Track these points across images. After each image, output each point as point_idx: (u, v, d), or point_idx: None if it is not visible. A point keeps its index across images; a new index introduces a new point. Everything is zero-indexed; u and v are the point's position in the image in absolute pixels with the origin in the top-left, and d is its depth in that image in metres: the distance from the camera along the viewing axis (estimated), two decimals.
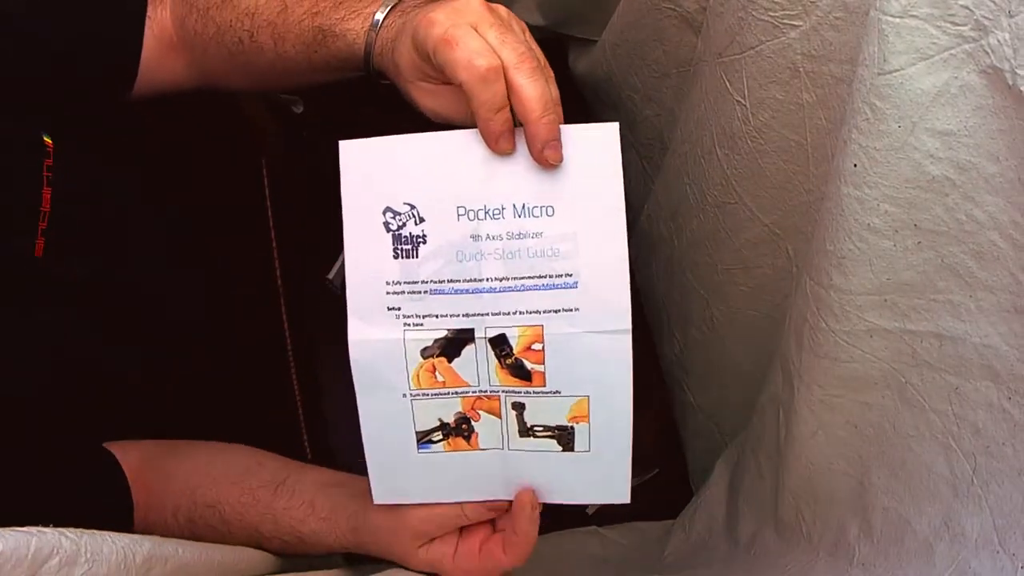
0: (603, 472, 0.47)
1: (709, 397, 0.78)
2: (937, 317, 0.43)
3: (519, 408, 0.46)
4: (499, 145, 0.40)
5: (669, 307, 0.80)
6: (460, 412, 0.46)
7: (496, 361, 0.44)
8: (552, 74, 0.41)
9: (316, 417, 0.82)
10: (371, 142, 0.43)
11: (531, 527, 0.47)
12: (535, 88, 0.38)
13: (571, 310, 0.43)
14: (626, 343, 0.43)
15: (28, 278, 0.47)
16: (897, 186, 0.41)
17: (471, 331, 0.44)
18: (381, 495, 0.47)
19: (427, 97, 0.43)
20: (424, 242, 0.43)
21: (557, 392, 0.45)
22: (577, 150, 0.41)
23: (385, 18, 0.45)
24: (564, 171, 0.41)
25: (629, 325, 0.43)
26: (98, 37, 0.51)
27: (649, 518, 0.82)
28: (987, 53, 0.36)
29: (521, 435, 0.46)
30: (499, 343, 0.44)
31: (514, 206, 0.42)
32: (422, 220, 0.42)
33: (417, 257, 0.43)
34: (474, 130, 0.41)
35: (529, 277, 0.42)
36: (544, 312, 0.43)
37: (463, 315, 0.43)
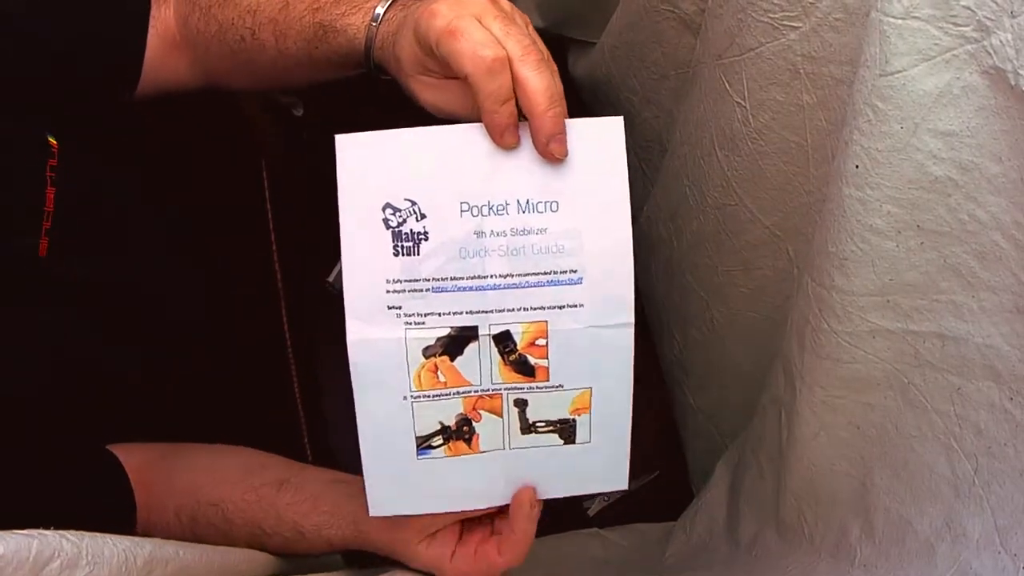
0: (603, 461, 0.47)
1: (709, 398, 0.78)
2: (939, 318, 0.43)
3: (522, 405, 0.45)
4: (504, 139, 0.40)
5: (669, 308, 0.80)
6: (461, 413, 0.45)
7: (500, 358, 0.44)
8: (556, 68, 0.40)
9: (316, 417, 0.82)
10: (369, 136, 0.41)
11: (529, 525, 0.47)
12: (541, 80, 0.38)
13: (576, 306, 0.43)
14: (629, 335, 0.43)
15: (31, 278, 0.47)
16: (899, 187, 0.41)
17: (475, 328, 0.43)
18: (378, 506, 0.46)
19: (428, 91, 0.42)
20: (426, 239, 0.42)
21: (560, 386, 0.45)
22: (582, 144, 0.41)
23: (386, 12, 0.45)
24: (568, 165, 0.41)
25: (632, 318, 0.43)
26: (102, 36, 0.51)
27: (650, 520, 0.82)
28: (989, 54, 0.36)
29: (523, 432, 0.46)
30: (503, 340, 0.43)
31: (518, 202, 0.41)
32: (423, 216, 0.42)
33: (419, 255, 0.42)
34: (477, 124, 0.40)
35: (534, 274, 0.42)
36: (548, 308, 0.43)
37: (466, 312, 0.43)
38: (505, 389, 0.45)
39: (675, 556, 0.74)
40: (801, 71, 0.49)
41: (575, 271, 0.42)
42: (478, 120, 0.40)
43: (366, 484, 0.45)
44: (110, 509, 0.51)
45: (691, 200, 0.67)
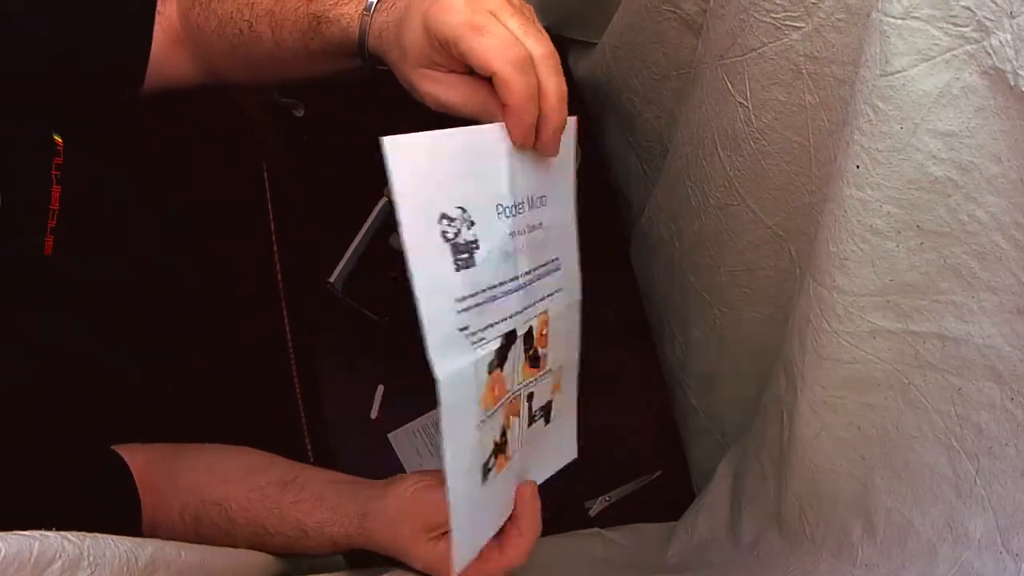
0: (561, 437, 0.49)
1: (711, 398, 0.78)
2: (940, 318, 0.43)
3: (530, 399, 0.45)
4: (527, 137, 0.39)
5: (670, 309, 0.80)
6: (502, 425, 0.43)
7: (523, 357, 0.43)
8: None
9: (316, 417, 0.82)
10: (417, 139, 0.37)
11: (535, 521, 0.47)
12: (559, 83, 0.39)
13: (559, 291, 0.45)
14: (578, 310, 0.47)
15: (36, 276, 0.47)
16: (899, 187, 0.41)
17: (514, 332, 0.42)
18: (463, 557, 0.42)
19: (429, 83, 0.42)
20: (477, 247, 0.39)
21: (550, 370, 0.46)
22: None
23: (379, 1, 0.45)
24: (552, 161, 0.42)
25: (580, 295, 0.47)
26: (109, 33, 0.51)
27: (651, 519, 0.82)
28: (989, 54, 0.36)
29: (529, 425, 0.46)
30: (527, 338, 0.43)
31: (529, 199, 0.42)
32: (472, 224, 0.39)
33: (476, 265, 0.39)
34: (499, 124, 0.39)
35: (542, 266, 0.43)
36: (547, 297, 0.44)
37: (509, 317, 0.41)
38: (522, 387, 0.45)
39: (677, 556, 0.74)
40: (803, 71, 0.49)
41: (556, 259, 0.44)
42: (473, 116, 0.40)
43: (454, 536, 0.41)
44: (116, 510, 0.51)
45: (693, 200, 0.67)
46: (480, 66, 0.38)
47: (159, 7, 0.53)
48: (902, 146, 0.40)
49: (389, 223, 0.83)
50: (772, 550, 0.60)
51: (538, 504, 0.47)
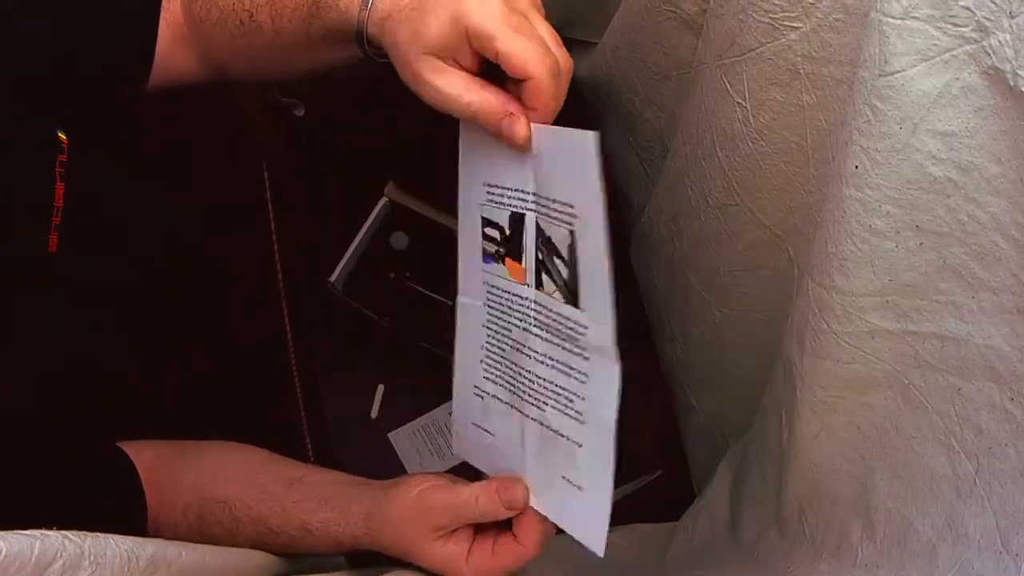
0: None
1: (710, 398, 0.78)
2: (939, 318, 0.43)
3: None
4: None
5: (670, 309, 0.80)
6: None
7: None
8: None
9: (316, 417, 0.82)
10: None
11: (536, 534, 0.47)
12: (565, 89, 0.41)
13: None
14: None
15: (39, 275, 0.47)
16: (899, 187, 0.41)
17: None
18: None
19: (435, 74, 0.41)
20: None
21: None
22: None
23: None
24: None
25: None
26: (113, 32, 0.51)
27: (651, 520, 0.82)
28: (988, 54, 0.36)
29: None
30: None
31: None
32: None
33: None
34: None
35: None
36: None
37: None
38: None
39: (676, 556, 0.74)
40: (801, 71, 0.49)
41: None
42: (472, 114, 0.41)
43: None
44: (122, 508, 0.51)
45: (693, 200, 0.67)
46: (516, 68, 0.39)
47: (164, 3, 0.53)
48: (901, 146, 0.40)
49: (389, 223, 0.83)
50: (772, 550, 0.60)
51: (542, 527, 0.47)
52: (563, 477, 0.45)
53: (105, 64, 0.51)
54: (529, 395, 0.46)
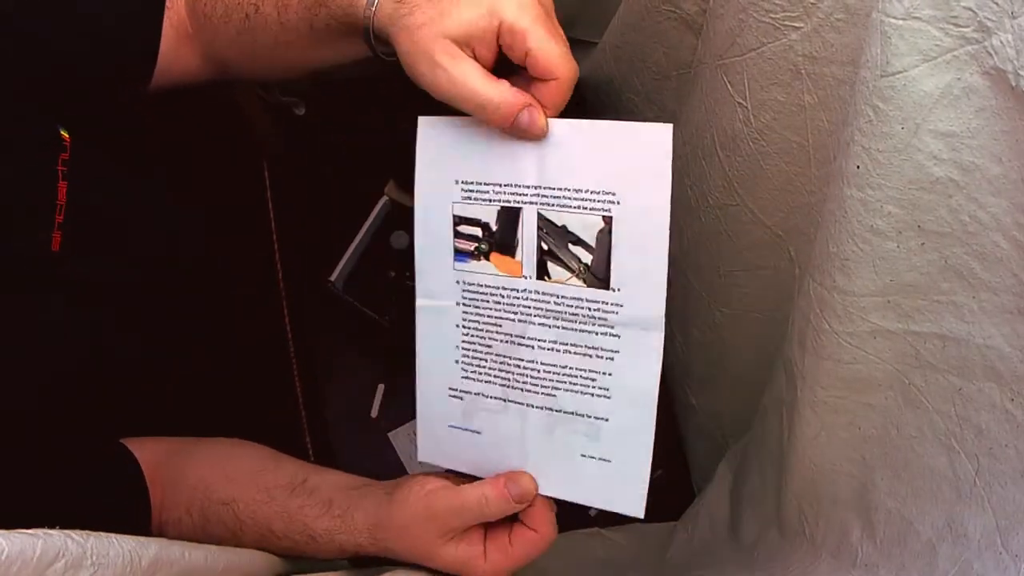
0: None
1: (711, 398, 0.78)
2: (940, 318, 0.43)
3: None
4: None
5: (670, 308, 0.79)
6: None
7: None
8: None
9: (316, 417, 0.82)
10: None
11: (549, 515, 0.48)
12: None
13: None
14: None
15: (42, 274, 0.47)
16: (900, 188, 0.41)
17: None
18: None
19: (453, 62, 0.41)
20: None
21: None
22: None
23: None
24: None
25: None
26: (117, 32, 0.51)
27: (651, 519, 0.82)
28: (990, 55, 0.36)
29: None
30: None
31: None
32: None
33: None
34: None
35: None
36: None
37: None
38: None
39: (676, 556, 0.74)
40: (803, 71, 0.49)
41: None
42: (479, 105, 0.41)
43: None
44: (126, 506, 0.51)
45: (693, 200, 0.67)
46: (543, 68, 0.41)
47: (168, 3, 0.53)
48: (903, 147, 0.40)
49: (389, 222, 0.83)
50: (772, 550, 0.60)
51: (552, 512, 0.47)
52: (582, 455, 0.47)
53: (106, 64, 0.51)
54: (531, 385, 0.47)
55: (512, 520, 0.48)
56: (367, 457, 0.81)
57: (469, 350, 0.47)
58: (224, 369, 0.68)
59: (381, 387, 0.84)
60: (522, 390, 0.47)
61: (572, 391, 0.46)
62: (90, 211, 0.49)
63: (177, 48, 0.53)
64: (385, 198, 0.83)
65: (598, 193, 0.43)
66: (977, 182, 0.39)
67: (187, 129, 0.67)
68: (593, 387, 0.46)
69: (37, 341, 0.48)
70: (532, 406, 0.47)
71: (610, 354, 0.45)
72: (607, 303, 0.44)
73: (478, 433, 0.49)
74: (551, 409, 0.47)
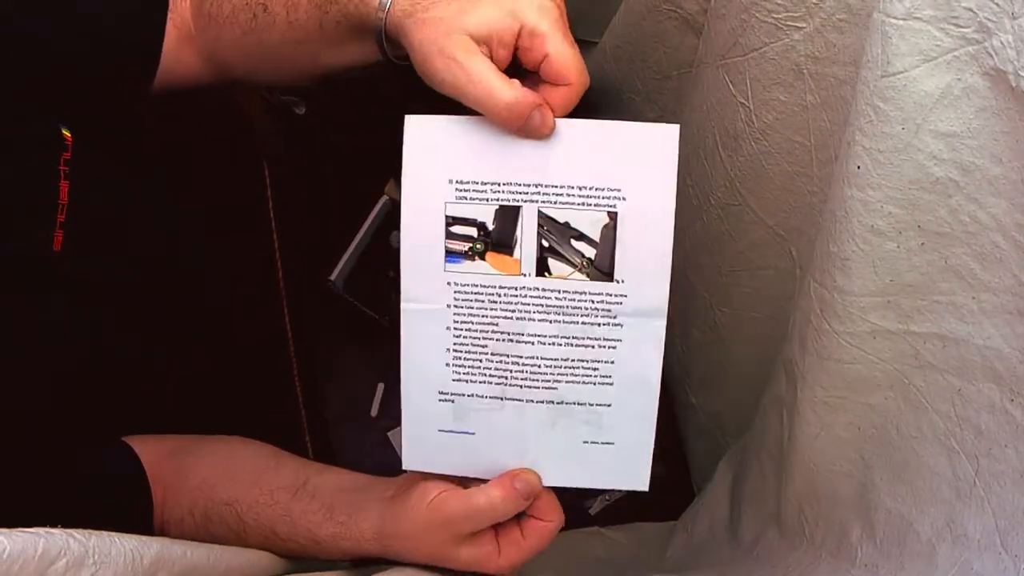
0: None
1: (711, 398, 0.78)
2: (940, 319, 0.43)
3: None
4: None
5: (671, 309, 0.80)
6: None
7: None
8: None
9: (317, 417, 0.82)
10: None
11: (553, 503, 0.48)
12: None
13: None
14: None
15: (41, 274, 0.47)
16: (901, 188, 0.41)
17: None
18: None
19: (469, 57, 0.41)
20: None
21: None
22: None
23: None
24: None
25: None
26: (119, 33, 0.51)
27: (651, 519, 0.82)
28: (990, 55, 0.36)
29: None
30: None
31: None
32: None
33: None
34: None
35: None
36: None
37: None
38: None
39: (676, 555, 0.74)
40: (805, 71, 0.49)
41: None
42: (488, 101, 0.42)
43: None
44: (128, 506, 0.51)
45: (694, 200, 0.67)
46: (559, 72, 0.41)
47: (171, 4, 0.53)
48: (903, 147, 0.40)
49: (389, 221, 0.83)
50: (771, 550, 0.60)
51: (554, 495, 0.48)
52: (584, 442, 0.48)
53: (107, 64, 0.51)
54: (531, 380, 0.47)
55: (519, 513, 0.48)
56: (367, 456, 0.82)
57: (461, 352, 0.47)
58: (224, 369, 0.68)
59: (381, 386, 0.84)
60: (521, 387, 0.47)
61: (574, 382, 0.47)
62: (91, 210, 0.49)
63: (179, 50, 0.53)
64: (385, 197, 0.83)
65: (603, 190, 0.44)
66: (977, 182, 0.39)
67: (187, 129, 0.67)
68: (595, 376, 0.47)
69: (37, 341, 0.48)
70: (532, 401, 0.47)
71: (613, 343, 0.47)
72: (611, 295, 0.46)
73: (471, 434, 0.48)
74: (552, 402, 0.48)
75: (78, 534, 0.29)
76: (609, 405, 0.48)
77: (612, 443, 0.48)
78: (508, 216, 0.45)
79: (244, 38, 0.51)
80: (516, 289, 0.46)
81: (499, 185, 0.45)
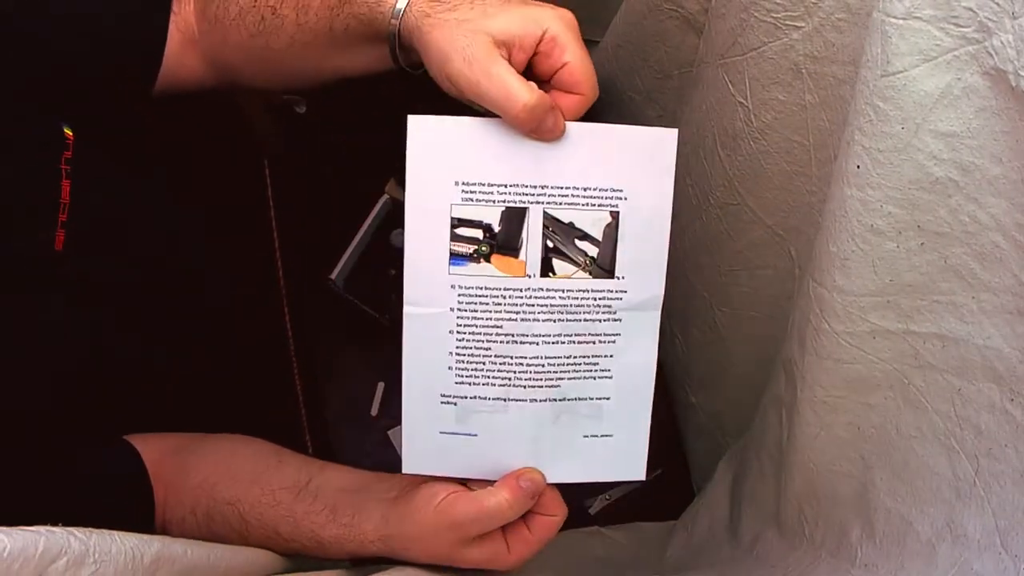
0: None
1: (711, 398, 0.78)
2: (940, 318, 0.43)
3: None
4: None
5: (671, 308, 0.79)
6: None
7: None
8: None
9: (317, 417, 0.82)
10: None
11: (556, 497, 0.49)
12: None
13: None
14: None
15: (42, 274, 0.47)
16: (900, 188, 0.41)
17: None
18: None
19: (491, 60, 0.41)
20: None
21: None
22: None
23: None
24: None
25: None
26: (120, 27, 0.51)
27: (651, 518, 0.82)
28: (990, 55, 0.36)
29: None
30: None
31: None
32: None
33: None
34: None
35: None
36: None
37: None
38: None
39: (676, 555, 0.74)
40: (804, 71, 0.49)
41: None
42: (506, 102, 0.42)
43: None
44: (129, 504, 0.51)
45: (694, 200, 0.67)
46: (575, 81, 0.43)
47: (175, 7, 0.53)
48: (903, 146, 0.40)
49: (390, 220, 0.83)
50: (771, 550, 0.60)
51: (556, 489, 0.48)
52: (584, 436, 0.49)
53: (107, 64, 0.51)
54: (534, 380, 0.47)
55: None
56: (367, 455, 0.82)
57: (464, 355, 0.47)
58: (224, 369, 0.68)
59: (381, 385, 0.84)
60: (524, 387, 0.47)
61: (575, 378, 0.48)
62: (92, 210, 0.49)
63: (183, 53, 0.53)
64: (386, 196, 0.83)
65: (606, 191, 0.45)
66: (977, 182, 0.39)
67: (187, 128, 0.67)
68: (595, 371, 0.48)
69: (37, 341, 0.48)
70: (535, 400, 0.48)
71: (612, 338, 0.48)
72: (612, 291, 0.47)
73: (474, 436, 0.48)
74: (554, 399, 0.48)
75: (79, 532, 0.29)
76: (608, 398, 0.49)
77: (611, 435, 0.49)
78: (514, 218, 0.45)
79: (250, 41, 0.51)
80: (521, 291, 0.46)
81: (506, 187, 0.45)
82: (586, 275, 0.46)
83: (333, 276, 0.80)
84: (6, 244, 0.45)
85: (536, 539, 0.48)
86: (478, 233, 0.45)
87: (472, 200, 0.45)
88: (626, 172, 0.45)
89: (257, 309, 0.80)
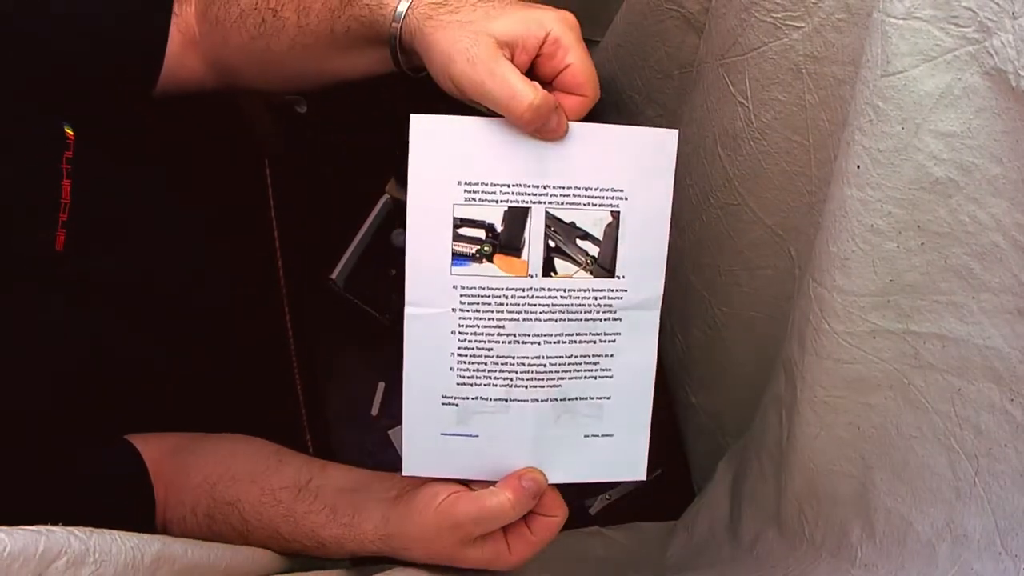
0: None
1: (711, 398, 0.78)
2: (940, 318, 0.43)
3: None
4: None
5: (671, 308, 0.80)
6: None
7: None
8: None
9: (317, 417, 0.82)
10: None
11: (556, 497, 0.49)
12: None
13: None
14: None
15: (42, 274, 0.47)
16: (900, 188, 0.41)
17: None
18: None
19: (495, 61, 0.42)
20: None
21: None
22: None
23: None
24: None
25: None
26: (120, 28, 0.51)
27: (651, 518, 0.82)
28: (991, 55, 0.36)
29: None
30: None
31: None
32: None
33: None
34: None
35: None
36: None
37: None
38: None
39: (676, 555, 0.74)
40: (803, 71, 0.49)
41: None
42: (506, 101, 0.42)
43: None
44: (130, 504, 0.51)
45: (694, 200, 0.67)
46: (577, 82, 0.43)
47: (176, 9, 0.53)
48: (903, 146, 0.40)
49: (390, 220, 0.83)
50: (771, 550, 0.60)
51: (556, 489, 0.48)
52: (585, 436, 0.49)
53: (107, 64, 0.51)
54: (536, 380, 0.47)
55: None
56: (368, 456, 0.82)
57: (466, 355, 0.47)
58: (224, 369, 0.68)
59: (381, 385, 0.84)
60: (526, 387, 0.47)
61: (576, 378, 0.48)
62: (93, 210, 0.49)
63: (184, 55, 0.53)
64: (386, 196, 0.83)
65: (607, 190, 0.45)
66: (977, 182, 0.39)
67: (187, 128, 0.67)
68: (596, 370, 0.49)
69: (37, 341, 0.48)
70: (537, 400, 0.48)
71: (612, 337, 0.48)
72: (612, 290, 0.47)
73: (475, 436, 0.48)
74: (556, 399, 0.48)
75: (79, 532, 0.29)
76: (609, 397, 0.49)
77: (611, 435, 0.50)
78: (517, 217, 0.45)
79: (251, 43, 0.51)
80: (523, 291, 0.46)
81: (508, 186, 0.45)
82: (587, 274, 0.46)
83: (333, 276, 0.80)
84: (6, 244, 0.45)
85: (537, 539, 0.48)
86: (480, 233, 0.45)
87: (475, 200, 0.45)
88: (627, 172, 0.45)
89: (257, 309, 0.81)
